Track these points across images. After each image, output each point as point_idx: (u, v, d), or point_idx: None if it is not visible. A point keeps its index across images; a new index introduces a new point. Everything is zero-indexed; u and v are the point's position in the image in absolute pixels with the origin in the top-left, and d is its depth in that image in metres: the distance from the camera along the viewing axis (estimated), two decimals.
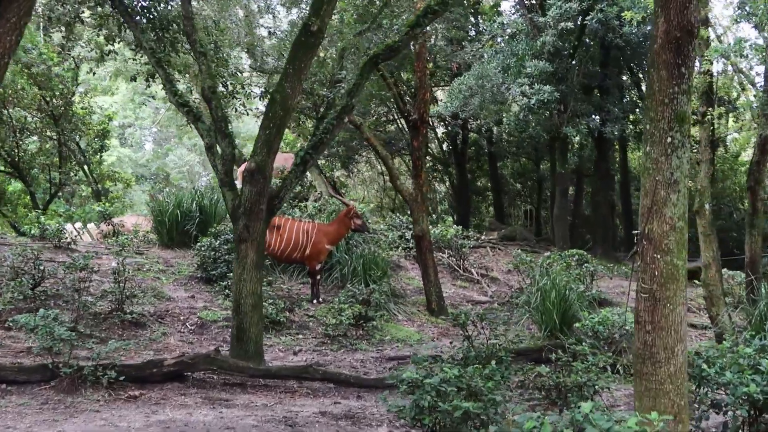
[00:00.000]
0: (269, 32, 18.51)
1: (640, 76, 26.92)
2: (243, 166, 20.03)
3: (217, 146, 10.64)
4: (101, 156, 29.62)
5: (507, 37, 21.33)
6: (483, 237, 23.29)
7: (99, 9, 11.25)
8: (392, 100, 19.39)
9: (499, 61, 21.01)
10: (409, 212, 17.68)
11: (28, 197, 27.90)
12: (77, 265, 11.56)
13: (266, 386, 9.85)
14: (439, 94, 31.36)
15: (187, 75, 12.98)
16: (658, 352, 6.21)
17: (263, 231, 10.34)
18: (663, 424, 4.98)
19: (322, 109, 12.37)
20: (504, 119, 23.90)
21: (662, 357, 6.20)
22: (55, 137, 26.90)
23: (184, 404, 8.74)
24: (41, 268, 12.30)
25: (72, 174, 28.01)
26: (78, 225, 20.21)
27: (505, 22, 21.73)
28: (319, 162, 32.57)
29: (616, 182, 30.39)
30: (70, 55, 22.81)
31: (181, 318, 12.73)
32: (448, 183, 37.26)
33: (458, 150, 32.69)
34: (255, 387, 9.79)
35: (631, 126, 25.28)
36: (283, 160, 21.50)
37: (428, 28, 26.01)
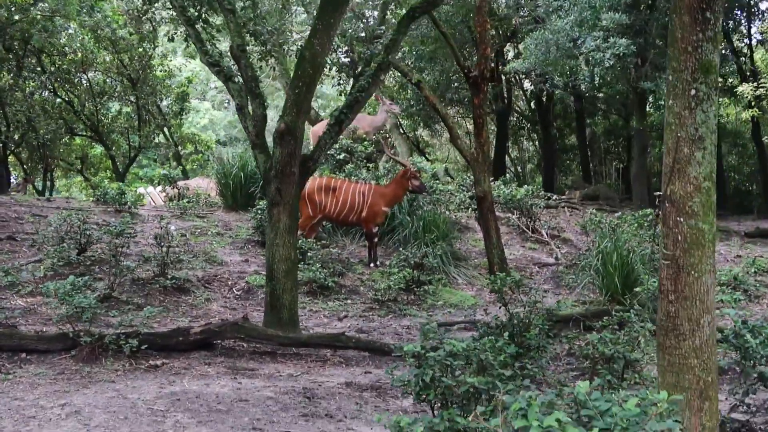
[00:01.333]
0: None
1: (728, 27, 25.79)
2: (316, 126, 19.83)
3: (249, 107, 10.31)
4: (181, 119, 29.75)
5: None
6: (559, 196, 22.59)
7: None
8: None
9: (576, 14, 20.17)
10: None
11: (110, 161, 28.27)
12: (112, 230, 11.40)
13: (297, 355, 9.56)
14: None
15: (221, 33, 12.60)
16: (682, 324, 5.73)
17: (297, 194, 10.03)
18: (668, 405, 4.47)
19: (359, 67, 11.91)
20: (575, 73, 22.84)
21: (686, 329, 5.72)
22: (134, 101, 27.10)
23: (205, 374, 8.50)
24: (87, 233, 12.21)
25: (152, 137, 28.23)
26: (159, 188, 20.27)
27: None
28: (402, 121, 32.19)
29: None
30: (147, 17, 22.76)
31: (229, 283, 12.55)
32: (537, 142, 36.39)
33: (542, 107, 31.81)
34: (285, 356, 9.50)
35: (721, 80, 24.14)
36: (355, 120, 21.08)
37: None
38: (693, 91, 5.63)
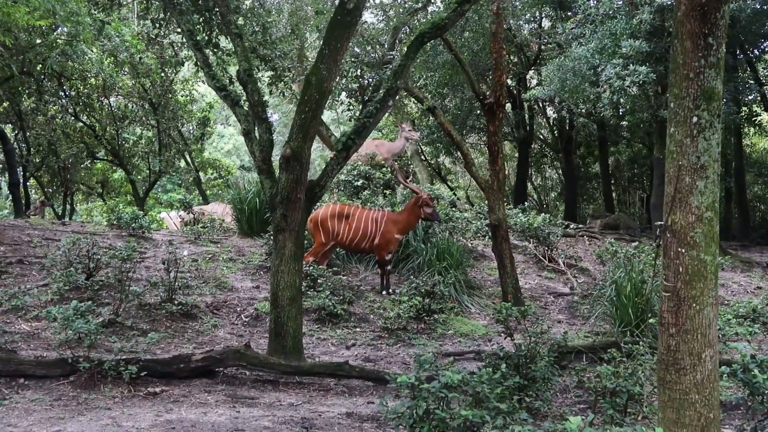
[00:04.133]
0: (316, 12, 17.88)
1: (751, 55, 25.52)
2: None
3: (255, 132, 10.22)
4: (202, 144, 29.78)
5: (600, 16, 20.16)
6: (577, 226, 22.35)
7: None
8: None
9: (597, 41, 19.97)
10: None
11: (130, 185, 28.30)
12: (118, 255, 11.32)
13: (300, 383, 9.40)
14: None
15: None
16: (683, 358, 5.57)
17: (303, 220, 9.89)
18: None
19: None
20: (596, 100, 22.52)
21: (687, 363, 5.56)
22: (155, 125, 27.15)
23: (205, 402, 8.37)
24: (96, 257, 12.14)
25: (173, 162, 28.24)
26: (182, 213, 20.19)
27: None
28: (424, 148, 32.08)
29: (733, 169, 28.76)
30: (162, 42, 22.75)
31: (238, 309, 12.41)
32: (560, 169, 36.10)
33: (564, 135, 31.55)
34: (288, 384, 9.34)
35: (745, 108, 23.89)
36: (374, 146, 21.10)
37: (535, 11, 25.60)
38: (695, 119, 5.50)
